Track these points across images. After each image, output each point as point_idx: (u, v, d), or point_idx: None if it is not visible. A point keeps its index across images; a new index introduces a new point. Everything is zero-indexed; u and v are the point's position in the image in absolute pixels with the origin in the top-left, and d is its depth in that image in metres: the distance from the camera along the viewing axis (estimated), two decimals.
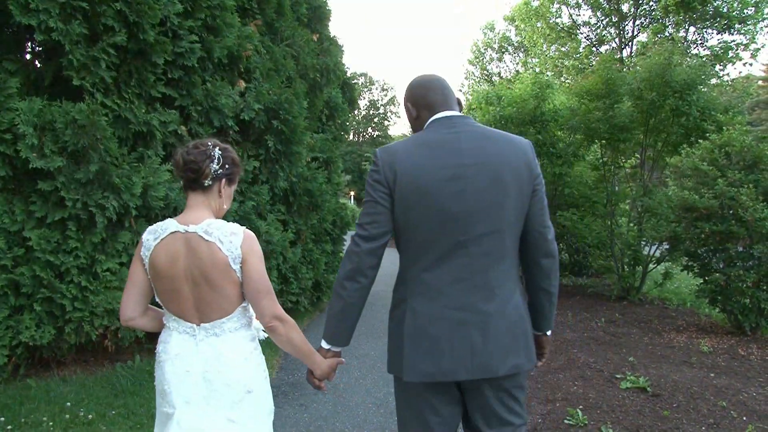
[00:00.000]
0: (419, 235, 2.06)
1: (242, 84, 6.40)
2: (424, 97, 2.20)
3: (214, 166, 2.11)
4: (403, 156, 2.06)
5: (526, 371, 2.13)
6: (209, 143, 2.14)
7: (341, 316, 2.16)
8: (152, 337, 5.97)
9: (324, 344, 2.24)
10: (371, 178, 2.10)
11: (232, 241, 2.05)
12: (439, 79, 2.24)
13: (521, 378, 2.14)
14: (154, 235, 2.10)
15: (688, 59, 8.87)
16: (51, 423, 3.97)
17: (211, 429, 2.06)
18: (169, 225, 2.09)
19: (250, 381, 2.14)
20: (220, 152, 2.13)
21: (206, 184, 2.12)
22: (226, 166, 2.15)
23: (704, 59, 15.59)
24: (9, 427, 3.89)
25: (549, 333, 2.32)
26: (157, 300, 2.18)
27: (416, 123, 2.25)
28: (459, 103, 2.25)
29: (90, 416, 4.11)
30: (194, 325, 2.10)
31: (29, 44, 5.34)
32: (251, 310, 2.21)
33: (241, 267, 2.06)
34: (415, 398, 2.14)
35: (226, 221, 2.12)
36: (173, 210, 5.44)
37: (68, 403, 4.32)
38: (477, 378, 2.02)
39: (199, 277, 2.05)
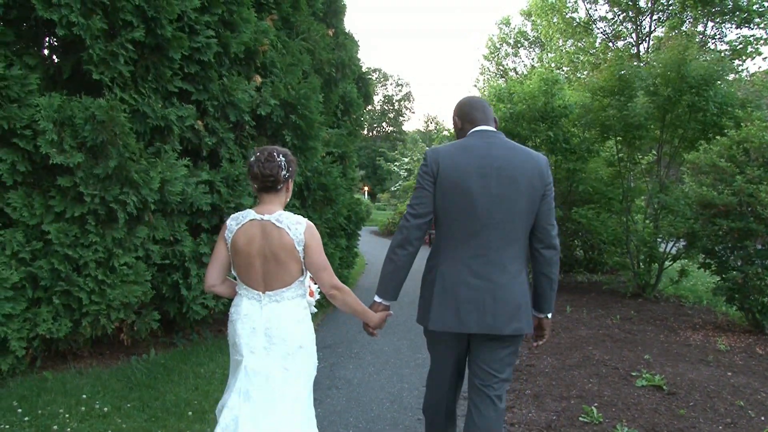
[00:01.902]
0: (452, 217, 2.68)
1: (258, 79, 6.41)
2: (469, 114, 2.84)
3: (284, 172, 2.65)
4: (445, 155, 2.70)
5: (523, 335, 2.72)
6: (275, 153, 2.65)
7: (392, 276, 2.79)
8: (168, 331, 6.04)
9: (377, 299, 2.85)
10: (421, 170, 2.74)
11: (298, 229, 2.61)
12: (482, 101, 2.89)
13: (518, 342, 2.78)
14: (236, 221, 2.67)
15: (705, 55, 8.73)
16: (67, 415, 4.01)
17: (268, 373, 2.61)
18: (249, 214, 2.66)
19: (301, 339, 2.70)
20: (284, 159, 2.66)
21: (278, 187, 2.67)
22: (290, 168, 2.70)
23: (722, 54, 15.40)
24: (26, 418, 3.93)
25: (549, 316, 2.87)
26: (233, 272, 2.74)
27: (460, 132, 2.88)
28: (495, 120, 2.86)
29: (105, 409, 4.15)
30: (260, 293, 2.66)
31: (47, 39, 5.37)
32: (306, 283, 2.77)
33: (303, 249, 2.62)
34: (436, 342, 2.84)
35: (289, 212, 2.67)
36: (189, 205, 5.47)
37: (84, 396, 4.36)
38: (484, 333, 2.64)
39: (269, 255, 2.61)
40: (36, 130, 4.52)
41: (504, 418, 2.93)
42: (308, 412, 2.73)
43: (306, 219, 2.66)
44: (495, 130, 2.79)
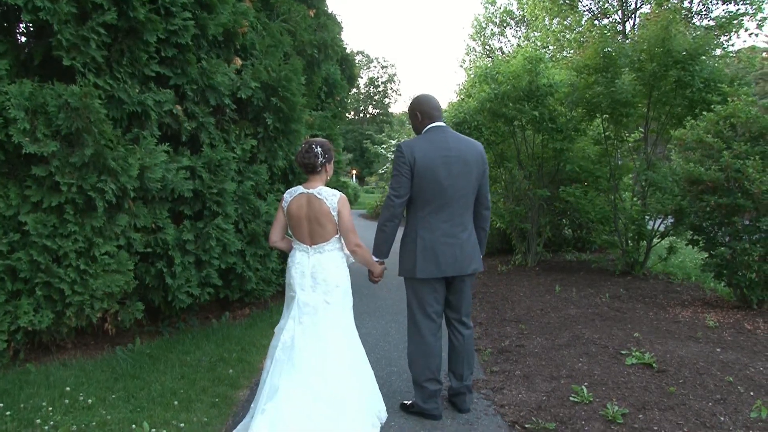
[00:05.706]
0: (424, 195, 3.67)
1: (238, 62, 6.28)
2: (428, 111, 3.79)
3: (320, 159, 3.59)
4: (417, 148, 3.65)
5: (479, 271, 3.89)
6: (313, 145, 3.59)
7: (385, 241, 3.78)
8: (153, 320, 5.97)
9: (375, 258, 3.84)
10: (399, 160, 3.65)
11: (333, 199, 3.55)
12: (437, 101, 3.84)
13: (473, 277, 3.96)
14: (290, 194, 3.64)
15: (691, 30, 8.63)
16: (50, 408, 3.93)
17: (315, 304, 3.55)
18: (299, 189, 3.63)
19: (338, 280, 3.62)
20: (320, 148, 3.59)
21: (318, 170, 3.63)
22: (326, 155, 3.63)
23: (709, 30, 15.31)
24: (8, 412, 3.85)
25: (481, 254, 3.96)
26: (289, 232, 3.74)
27: (420, 125, 3.82)
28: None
29: (90, 400, 4.08)
30: (308, 246, 3.62)
31: (21, 24, 5.21)
32: (342, 241, 3.70)
33: (337, 215, 3.56)
34: (421, 287, 3.79)
35: (328, 187, 3.64)
36: (171, 191, 5.37)
37: (68, 388, 4.28)
38: (457, 275, 3.75)
39: (313, 218, 3.56)
40: (7, 118, 4.39)
41: (473, 338, 4.06)
42: (349, 330, 3.71)
43: (340, 192, 3.59)
44: (445, 124, 3.77)
